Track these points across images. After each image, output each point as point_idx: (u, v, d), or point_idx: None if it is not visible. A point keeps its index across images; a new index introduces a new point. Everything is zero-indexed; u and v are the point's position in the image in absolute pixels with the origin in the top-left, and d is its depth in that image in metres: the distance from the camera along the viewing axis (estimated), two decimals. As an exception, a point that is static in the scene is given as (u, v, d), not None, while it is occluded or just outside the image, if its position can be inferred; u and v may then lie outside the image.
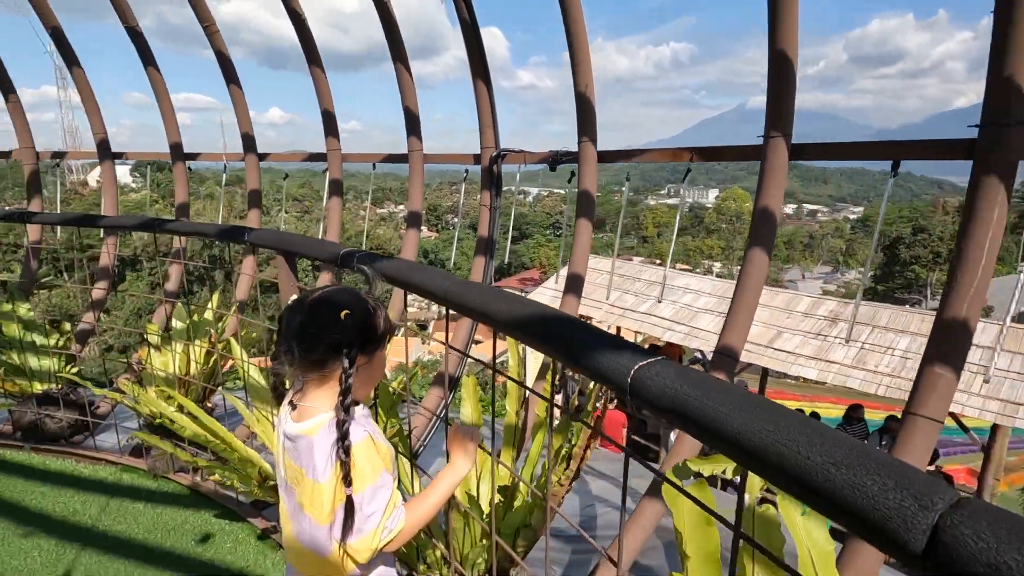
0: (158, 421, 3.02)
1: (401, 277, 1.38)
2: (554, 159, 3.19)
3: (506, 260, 6.50)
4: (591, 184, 3.01)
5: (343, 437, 1.04)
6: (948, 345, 1.78)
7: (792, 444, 0.58)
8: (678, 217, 4.57)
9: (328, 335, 1.07)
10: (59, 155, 5.58)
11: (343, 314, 1.06)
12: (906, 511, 0.49)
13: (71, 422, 3.50)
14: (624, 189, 4.23)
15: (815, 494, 0.55)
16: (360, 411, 1.13)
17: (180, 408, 2.94)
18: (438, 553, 1.83)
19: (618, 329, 8.26)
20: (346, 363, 1.06)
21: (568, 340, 0.90)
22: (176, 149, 4.86)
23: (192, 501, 3.05)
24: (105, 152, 5.13)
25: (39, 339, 3.65)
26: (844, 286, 47.90)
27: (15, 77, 5.08)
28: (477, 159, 3.45)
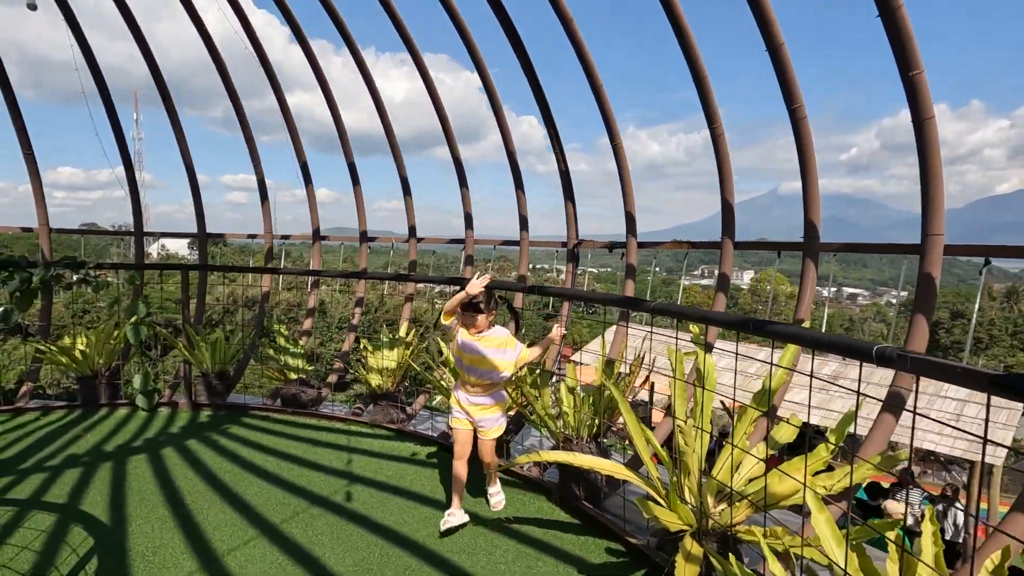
0: (379, 392, 5.24)
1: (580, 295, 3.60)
2: (612, 246, 5.46)
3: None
4: (633, 261, 5.20)
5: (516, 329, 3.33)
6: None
7: None
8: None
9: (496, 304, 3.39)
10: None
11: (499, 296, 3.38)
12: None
13: (313, 396, 5.74)
14: (654, 268, 6.35)
15: None
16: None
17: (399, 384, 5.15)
18: (559, 423, 3.89)
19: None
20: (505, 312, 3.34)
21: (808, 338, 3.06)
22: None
23: (398, 437, 5.18)
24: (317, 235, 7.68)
25: (292, 347, 5.98)
26: (885, 369, 47.36)
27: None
28: (564, 244, 5.75)
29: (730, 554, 2.31)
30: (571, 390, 3.98)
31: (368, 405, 5.84)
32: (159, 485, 4.20)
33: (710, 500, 2.76)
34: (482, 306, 3.39)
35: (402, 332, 5.74)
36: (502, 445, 4.16)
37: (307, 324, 6.95)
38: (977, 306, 3.24)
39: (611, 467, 2.97)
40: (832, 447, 2.77)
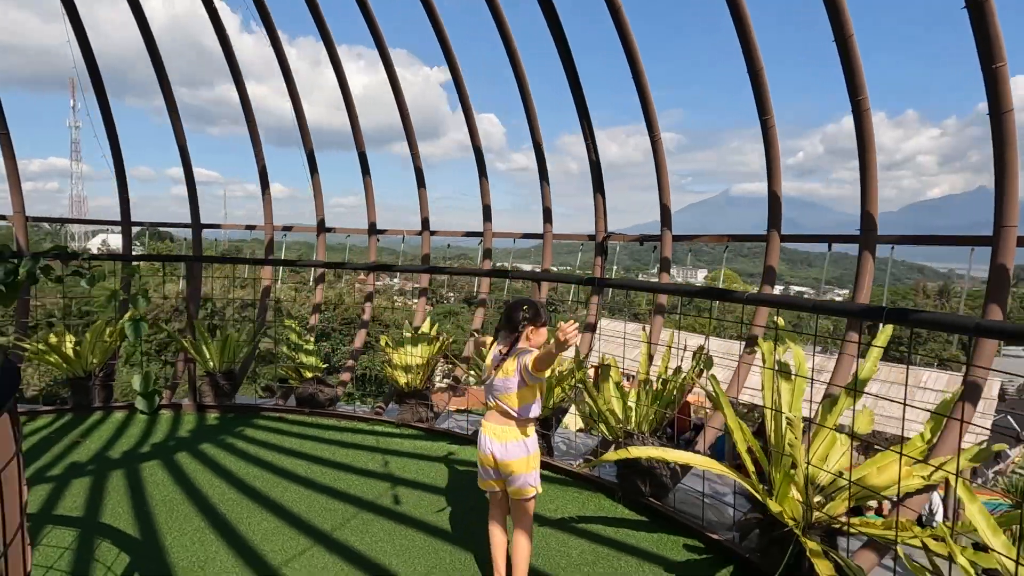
0: (407, 390, 5.01)
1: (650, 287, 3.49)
2: (644, 239, 5.40)
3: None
4: (668, 254, 5.17)
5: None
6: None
7: None
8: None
9: (518, 316, 2.61)
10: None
11: (524, 308, 2.64)
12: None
13: (330, 396, 5.44)
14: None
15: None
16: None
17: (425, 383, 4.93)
18: (613, 420, 3.80)
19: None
20: (520, 328, 2.60)
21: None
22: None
23: (429, 436, 4.97)
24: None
25: (306, 345, 5.65)
26: (834, 363, 49.76)
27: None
28: (592, 238, 5.65)
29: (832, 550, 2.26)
30: (619, 384, 3.89)
31: (388, 404, 5.59)
32: (184, 493, 3.87)
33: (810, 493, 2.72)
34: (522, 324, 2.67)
35: (425, 327, 5.51)
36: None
37: (313, 320, 6.59)
38: (885, 296, 3.43)
39: (706, 463, 2.89)
40: (928, 438, 2.78)
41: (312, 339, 5.88)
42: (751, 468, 2.86)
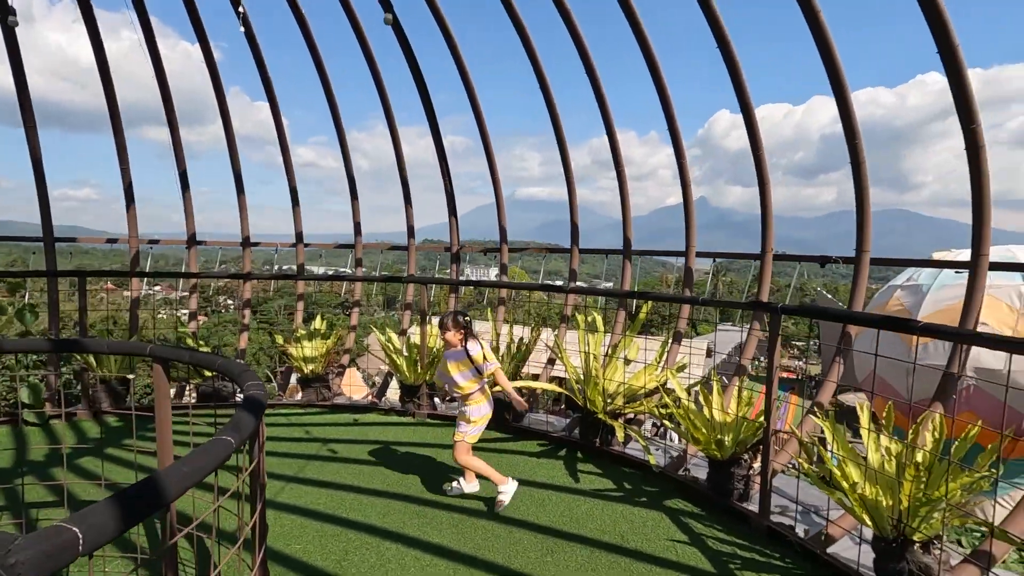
0: (311, 376, 6.16)
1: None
2: (486, 251, 7.34)
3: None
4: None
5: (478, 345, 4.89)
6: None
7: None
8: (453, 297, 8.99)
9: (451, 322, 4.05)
10: None
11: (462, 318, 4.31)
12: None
13: (233, 390, 6.23)
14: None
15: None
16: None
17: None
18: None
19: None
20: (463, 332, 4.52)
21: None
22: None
23: (431, 424, 6.18)
24: None
25: (202, 347, 6.29)
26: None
27: None
28: (448, 249, 7.40)
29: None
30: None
31: (286, 391, 6.57)
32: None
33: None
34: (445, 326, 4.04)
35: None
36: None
37: (193, 326, 7.07)
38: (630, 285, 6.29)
39: (543, 385, 4.93)
40: (657, 360, 5.22)
41: (203, 344, 6.52)
42: (575, 388, 4.98)
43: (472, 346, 4.04)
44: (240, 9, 5.61)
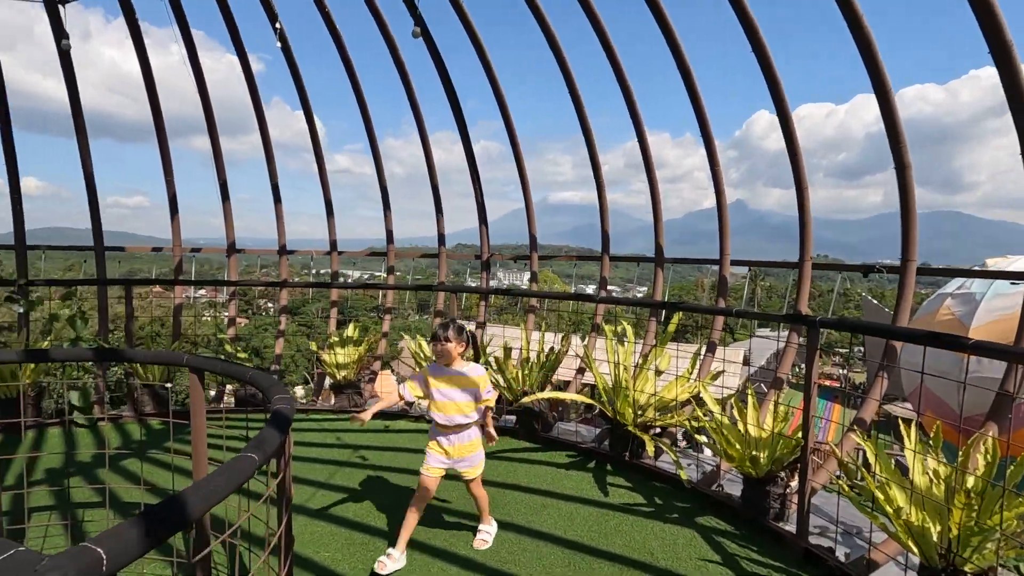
0: (343, 382, 6.26)
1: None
2: (516, 258, 7.33)
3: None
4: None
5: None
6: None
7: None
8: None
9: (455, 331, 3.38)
10: None
11: (459, 328, 3.42)
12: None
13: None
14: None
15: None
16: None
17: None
18: (515, 384, 5.63)
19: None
20: (464, 343, 3.45)
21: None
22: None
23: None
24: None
25: (240, 354, 6.48)
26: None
27: None
28: (478, 256, 7.42)
29: None
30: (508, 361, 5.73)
31: (319, 396, 6.69)
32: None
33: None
34: (447, 336, 3.36)
35: (351, 332, 6.74)
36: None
37: (231, 332, 7.29)
38: (665, 293, 5.91)
39: (572, 396, 4.86)
40: (689, 371, 5.09)
41: (241, 349, 6.70)
42: (605, 399, 4.91)
43: (475, 366, 3.50)
44: (277, 25, 5.79)
